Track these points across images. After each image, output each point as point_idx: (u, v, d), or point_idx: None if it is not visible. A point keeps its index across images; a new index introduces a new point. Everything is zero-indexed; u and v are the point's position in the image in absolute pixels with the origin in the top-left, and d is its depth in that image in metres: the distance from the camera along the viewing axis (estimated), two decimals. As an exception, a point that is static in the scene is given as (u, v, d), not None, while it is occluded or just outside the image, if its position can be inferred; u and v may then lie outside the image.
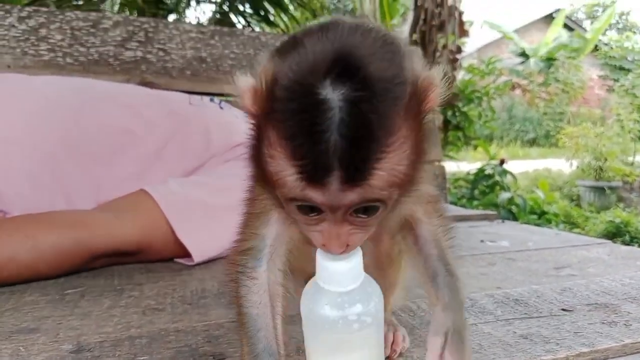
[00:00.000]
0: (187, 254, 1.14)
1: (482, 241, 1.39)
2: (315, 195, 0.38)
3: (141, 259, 1.14)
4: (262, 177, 0.42)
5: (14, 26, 1.67)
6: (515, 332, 0.71)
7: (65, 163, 1.21)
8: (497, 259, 1.18)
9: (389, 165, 0.38)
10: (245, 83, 0.41)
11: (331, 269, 0.45)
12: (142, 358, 0.64)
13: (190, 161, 1.33)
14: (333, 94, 0.36)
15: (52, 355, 0.65)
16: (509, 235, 1.47)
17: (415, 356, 0.63)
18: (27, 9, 1.72)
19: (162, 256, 1.16)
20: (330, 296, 0.45)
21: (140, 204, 1.14)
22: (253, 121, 0.42)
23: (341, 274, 0.45)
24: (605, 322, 0.75)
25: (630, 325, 0.74)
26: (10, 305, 0.87)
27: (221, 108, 1.51)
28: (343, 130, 0.36)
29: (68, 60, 1.73)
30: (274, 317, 0.51)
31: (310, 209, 0.40)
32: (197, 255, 1.13)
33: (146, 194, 1.15)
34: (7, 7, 1.69)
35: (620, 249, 1.29)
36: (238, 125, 1.44)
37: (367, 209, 0.40)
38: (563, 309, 0.80)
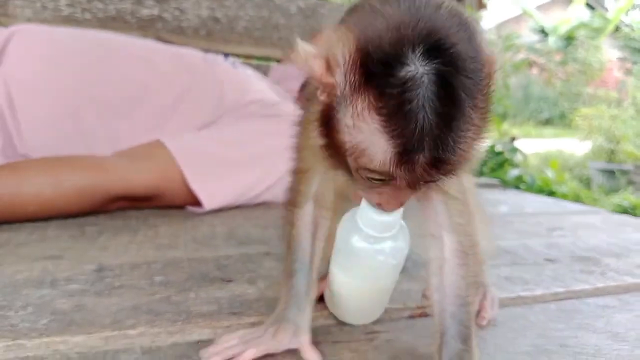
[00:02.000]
0: (198, 203, 1.20)
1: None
2: (399, 172, 0.38)
3: (155, 204, 1.21)
4: (330, 143, 0.41)
5: (35, -20, 1.72)
6: (500, 275, 0.77)
7: (85, 112, 1.27)
8: (495, 221, 1.23)
9: (473, 144, 0.39)
10: (313, 51, 0.40)
11: (373, 218, 0.49)
12: (158, 278, 0.71)
13: (204, 115, 1.38)
14: (425, 68, 0.36)
15: (77, 273, 0.72)
16: (508, 202, 1.52)
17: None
18: (49, -37, 1.76)
19: (175, 203, 1.22)
20: (364, 234, 0.51)
21: (156, 153, 1.20)
22: (327, 92, 0.40)
23: (380, 224, 0.50)
24: (584, 271, 0.81)
25: (607, 273, 0.80)
26: (35, 237, 0.93)
27: (234, 67, 1.55)
28: (436, 108, 0.36)
29: (86, 15, 1.77)
30: (314, 241, 0.57)
31: (381, 178, 0.40)
32: (208, 203, 1.19)
33: (161, 144, 1.21)
34: (29, -38, 1.73)
35: (614, 217, 1.34)
36: (250, 84, 1.49)
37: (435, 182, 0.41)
38: (547, 259, 0.86)
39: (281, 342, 0.52)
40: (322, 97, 0.40)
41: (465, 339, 0.48)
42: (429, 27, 0.37)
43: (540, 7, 14.88)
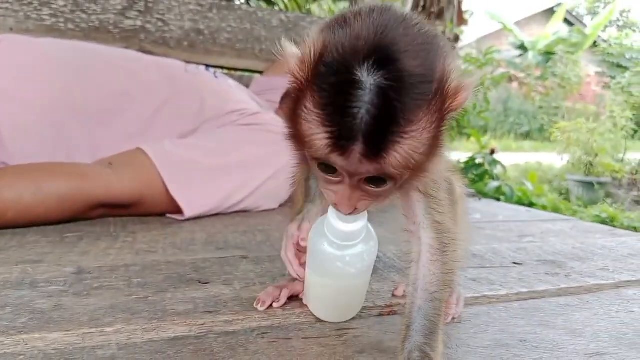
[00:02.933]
0: (178, 210, 1.22)
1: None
2: (337, 160, 0.43)
3: (135, 212, 1.22)
4: (294, 136, 0.47)
5: (18, -10, 1.73)
6: (467, 277, 0.80)
7: (66, 121, 1.28)
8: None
9: (405, 149, 0.42)
10: (293, 50, 0.45)
11: (337, 227, 0.53)
12: (136, 280, 0.73)
13: (184, 125, 1.40)
14: (367, 78, 0.40)
15: (56, 275, 0.73)
16: (482, 210, 1.56)
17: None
18: (32, -26, 1.78)
19: (155, 211, 1.24)
20: (329, 240, 0.55)
21: (137, 161, 1.22)
22: (295, 85, 0.45)
23: (343, 233, 0.53)
24: (549, 273, 0.84)
25: (570, 275, 0.83)
26: (14, 243, 0.94)
27: (216, 77, 1.58)
28: (370, 109, 0.40)
29: (69, 26, 1.79)
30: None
31: (330, 170, 0.46)
32: (188, 210, 1.21)
33: (142, 151, 1.23)
34: (13, -29, 1.75)
35: (584, 224, 1.39)
36: (231, 94, 1.52)
37: (377, 181, 0.46)
38: (514, 262, 0.90)
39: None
40: (294, 90, 0.46)
41: (429, 334, 0.50)
42: (382, 42, 0.42)
43: (519, 23, 15.19)
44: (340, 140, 0.42)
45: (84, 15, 1.81)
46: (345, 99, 0.41)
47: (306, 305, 0.64)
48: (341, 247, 0.55)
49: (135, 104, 1.37)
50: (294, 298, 0.66)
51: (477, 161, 5.57)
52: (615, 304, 0.72)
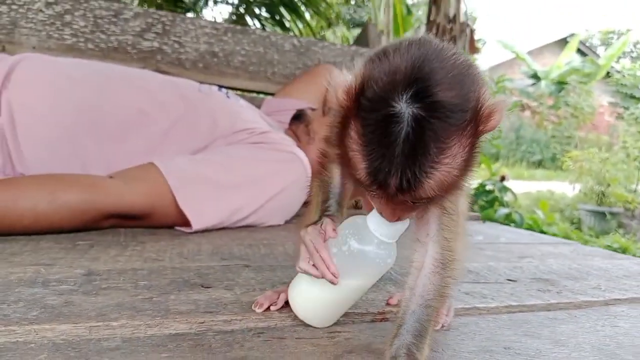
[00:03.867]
0: (187, 223, 1.26)
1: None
2: (375, 191, 0.48)
3: (145, 223, 1.26)
4: (341, 158, 0.52)
5: (41, 11, 1.82)
6: (460, 290, 0.83)
7: (83, 136, 1.34)
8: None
9: (438, 177, 0.46)
10: (342, 80, 0.49)
11: (382, 224, 0.56)
12: (143, 282, 0.77)
13: (196, 142, 1.45)
14: (406, 110, 0.44)
15: (67, 276, 0.77)
16: (485, 232, 1.58)
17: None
18: (56, -5, 1.87)
19: (165, 223, 1.28)
20: (370, 238, 0.58)
21: (148, 175, 1.27)
22: (342, 112, 0.50)
23: (394, 229, 0.57)
24: (541, 290, 0.87)
25: (562, 292, 0.86)
26: (28, 248, 0.99)
27: (228, 97, 1.64)
28: (407, 145, 0.44)
29: (89, 45, 1.87)
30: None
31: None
32: (196, 223, 1.24)
33: (154, 166, 1.28)
34: (37, -8, 1.83)
35: (585, 248, 1.41)
36: (242, 113, 1.57)
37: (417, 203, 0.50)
38: (508, 279, 0.92)
39: None
40: (340, 117, 0.50)
41: (418, 335, 0.53)
42: (419, 75, 0.45)
43: (532, 52, 15.28)
44: (378, 175, 0.46)
45: (103, 36, 1.88)
46: (383, 133, 0.45)
47: None
48: (381, 245, 0.58)
49: (150, 121, 1.42)
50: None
51: (487, 188, 5.59)
52: (602, 319, 0.74)
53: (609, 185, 7.45)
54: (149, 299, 0.69)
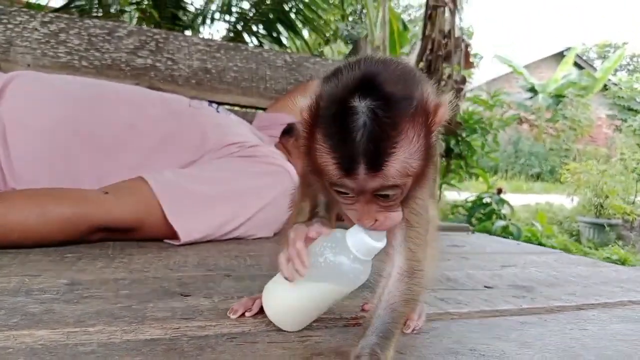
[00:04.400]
0: (175, 236, 1.28)
1: (447, 246, 1.53)
2: (348, 182, 0.52)
3: (134, 236, 1.28)
4: (314, 169, 0.56)
5: (36, 29, 1.86)
6: (436, 297, 0.85)
7: (74, 151, 1.37)
8: (452, 257, 1.31)
9: (400, 158, 0.51)
10: (304, 102, 0.55)
11: (367, 242, 0.58)
12: (124, 292, 0.78)
13: (186, 155, 1.48)
14: (359, 104, 0.49)
15: (51, 286, 0.79)
16: (472, 243, 1.60)
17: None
18: (50, 14, 1.91)
19: (153, 236, 1.30)
20: (347, 252, 0.60)
21: (138, 188, 1.29)
22: (306, 128, 0.54)
23: (372, 248, 0.59)
24: (516, 296, 0.89)
25: (535, 298, 0.87)
26: (16, 261, 1.00)
27: (218, 112, 1.67)
28: (366, 131, 0.49)
29: (83, 63, 1.90)
30: None
31: (347, 193, 0.54)
32: (184, 235, 1.27)
33: (143, 180, 1.30)
34: (32, 12, 1.88)
35: (569, 257, 1.42)
36: (232, 128, 1.60)
37: (386, 194, 0.53)
38: (486, 286, 0.94)
39: None
40: (306, 132, 0.55)
41: (384, 336, 0.55)
42: (367, 77, 0.51)
43: (529, 66, 15.38)
44: (345, 164, 0.51)
45: (97, 54, 1.92)
46: (344, 127, 0.50)
47: None
48: (357, 261, 0.60)
49: (141, 136, 1.45)
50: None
51: (485, 201, 5.62)
52: (572, 323, 0.76)
53: (607, 197, 7.47)
54: (128, 307, 0.71)
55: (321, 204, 0.68)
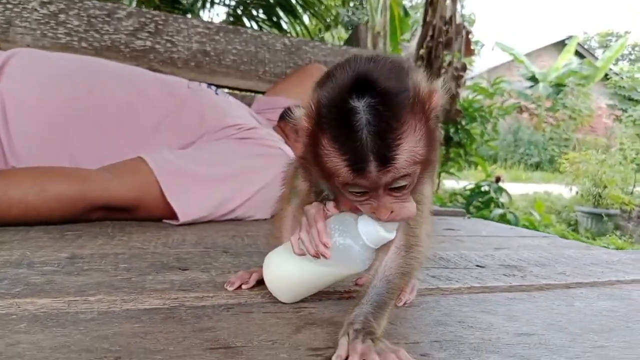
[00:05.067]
0: (174, 216, 1.30)
1: (442, 229, 1.55)
2: (361, 181, 0.53)
3: (133, 216, 1.30)
4: (322, 173, 0.57)
5: (36, 10, 1.86)
6: (428, 274, 0.86)
7: (73, 129, 1.38)
8: (447, 239, 1.33)
9: (407, 147, 0.52)
10: (301, 111, 0.56)
11: (379, 233, 0.59)
12: (123, 265, 0.80)
13: (184, 137, 1.49)
14: (359, 103, 0.50)
15: (52, 259, 0.81)
16: (467, 227, 1.62)
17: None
18: (50, -5, 1.91)
19: (152, 215, 1.31)
20: (358, 238, 0.61)
21: (137, 168, 1.30)
22: (309, 135, 0.56)
23: (381, 238, 0.60)
24: (506, 274, 0.91)
25: (525, 277, 0.89)
26: (17, 237, 1.02)
27: (217, 94, 1.68)
28: (370, 128, 0.50)
29: (83, 44, 1.91)
30: None
31: (360, 190, 0.55)
32: (182, 215, 1.28)
33: (142, 160, 1.32)
34: (32, -8, 1.88)
35: (562, 241, 1.44)
36: (230, 110, 1.61)
37: (399, 186, 0.55)
38: (477, 265, 0.96)
39: None
40: (308, 139, 0.56)
41: (377, 306, 0.57)
42: (360, 76, 0.53)
43: (530, 55, 15.32)
44: (357, 163, 0.52)
45: (97, 35, 1.93)
46: (348, 127, 0.51)
47: None
48: (366, 248, 0.61)
49: (139, 116, 1.46)
50: (262, 282, 0.73)
51: (483, 189, 5.64)
52: (559, 299, 0.78)
53: (605, 187, 7.50)
54: (128, 279, 0.73)
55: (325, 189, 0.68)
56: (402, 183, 0.54)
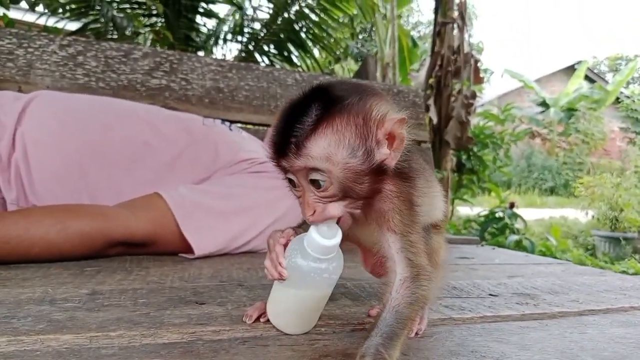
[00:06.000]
0: (190, 250, 1.32)
1: (455, 257, 1.55)
2: (280, 161, 0.62)
3: (151, 251, 1.33)
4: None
5: (55, 52, 1.93)
6: (441, 304, 0.87)
7: (91, 167, 1.42)
8: (460, 268, 1.33)
9: (322, 142, 0.59)
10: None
11: (318, 242, 0.63)
12: (142, 300, 0.83)
13: (199, 172, 1.53)
14: (304, 100, 0.60)
15: (73, 295, 0.84)
16: (480, 255, 1.62)
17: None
18: (68, 38, 1.98)
19: (169, 250, 1.34)
20: (306, 253, 0.65)
21: (153, 204, 1.34)
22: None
23: (323, 247, 0.64)
24: (519, 303, 0.91)
25: (538, 305, 0.90)
26: (39, 274, 1.05)
27: (230, 130, 1.72)
28: (299, 118, 0.59)
29: (100, 84, 1.97)
30: None
31: (293, 184, 0.63)
32: (198, 249, 1.31)
33: (159, 195, 1.35)
34: (51, 35, 1.95)
35: (577, 267, 1.44)
36: (243, 144, 1.65)
37: (315, 179, 0.61)
38: (490, 294, 0.96)
39: None
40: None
41: (387, 337, 0.58)
42: (320, 87, 0.62)
43: (540, 80, 15.35)
44: (275, 142, 0.61)
45: (114, 75, 1.99)
46: (286, 115, 0.61)
47: None
48: (317, 260, 0.65)
49: (155, 153, 1.50)
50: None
51: (497, 215, 5.60)
52: (572, 327, 0.78)
53: (622, 210, 7.41)
54: (146, 314, 0.75)
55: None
56: (317, 177, 0.60)
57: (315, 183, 0.61)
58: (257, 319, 0.74)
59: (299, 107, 0.60)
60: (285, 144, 0.60)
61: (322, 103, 0.59)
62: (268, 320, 0.73)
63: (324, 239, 0.63)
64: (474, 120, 6.45)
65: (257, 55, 4.86)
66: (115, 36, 3.76)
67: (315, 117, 0.59)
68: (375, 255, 0.68)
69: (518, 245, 5.08)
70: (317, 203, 0.62)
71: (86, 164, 1.42)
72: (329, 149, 0.59)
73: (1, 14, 3.29)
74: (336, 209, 0.62)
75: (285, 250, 0.67)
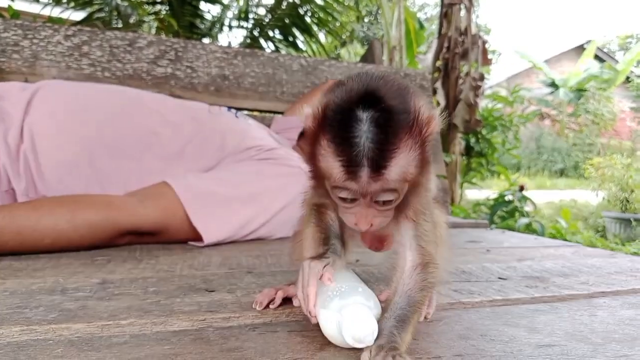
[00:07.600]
0: (199, 238, 1.33)
1: (465, 242, 1.55)
2: (351, 184, 0.56)
3: (160, 239, 1.34)
4: (316, 173, 0.61)
5: (60, 43, 1.93)
6: (450, 288, 0.87)
7: (100, 157, 1.43)
8: (469, 252, 1.33)
9: (400, 163, 0.55)
10: (308, 110, 0.59)
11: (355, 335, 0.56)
12: (152, 289, 0.83)
13: (206, 160, 1.53)
14: (363, 113, 0.54)
15: (84, 285, 0.85)
16: (489, 239, 1.61)
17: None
18: (73, 28, 1.98)
19: (178, 238, 1.35)
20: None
21: (162, 193, 1.34)
22: (311, 134, 0.59)
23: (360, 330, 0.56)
24: (529, 286, 0.91)
25: (548, 287, 0.90)
26: (50, 264, 1.06)
27: (236, 117, 1.72)
28: (369, 138, 0.53)
29: (106, 74, 1.97)
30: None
31: (347, 196, 0.57)
32: (207, 238, 1.32)
33: (167, 184, 1.36)
34: (56, 26, 1.95)
35: (587, 249, 1.43)
36: (250, 132, 1.65)
37: (386, 199, 0.58)
38: (500, 278, 0.96)
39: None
40: (310, 138, 0.60)
41: (400, 321, 0.59)
42: (368, 90, 0.56)
43: (549, 61, 15.18)
44: (351, 167, 0.54)
45: (119, 64, 1.99)
46: (349, 132, 0.54)
47: (295, 307, 0.72)
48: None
49: (163, 142, 1.51)
50: (288, 300, 0.75)
51: (507, 198, 5.58)
52: (582, 309, 0.78)
53: (632, 191, 7.34)
54: (156, 302, 0.76)
55: (332, 231, 0.70)
56: (389, 197, 0.57)
57: (383, 201, 0.58)
58: (267, 306, 0.74)
59: (359, 121, 0.54)
60: (357, 166, 0.54)
61: (383, 115, 0.54)
62: (277, 307, 0.74)
63: (365, 325, 0.56)
64: (483, 103, 6.40)
65: (262, 41, 4.83)
66: (119, 25, 3.76)
67: (388, 137, 0.54)
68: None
69: (528, 228, 5.06)
70: (377, 217, 0.60)
71: (95, 153, 1.42)
72: (404, 168, 0.56)
73: (6, 5, 3.29)
74: (389, 217, 0.61)
75: (319, 289, 0.63)
